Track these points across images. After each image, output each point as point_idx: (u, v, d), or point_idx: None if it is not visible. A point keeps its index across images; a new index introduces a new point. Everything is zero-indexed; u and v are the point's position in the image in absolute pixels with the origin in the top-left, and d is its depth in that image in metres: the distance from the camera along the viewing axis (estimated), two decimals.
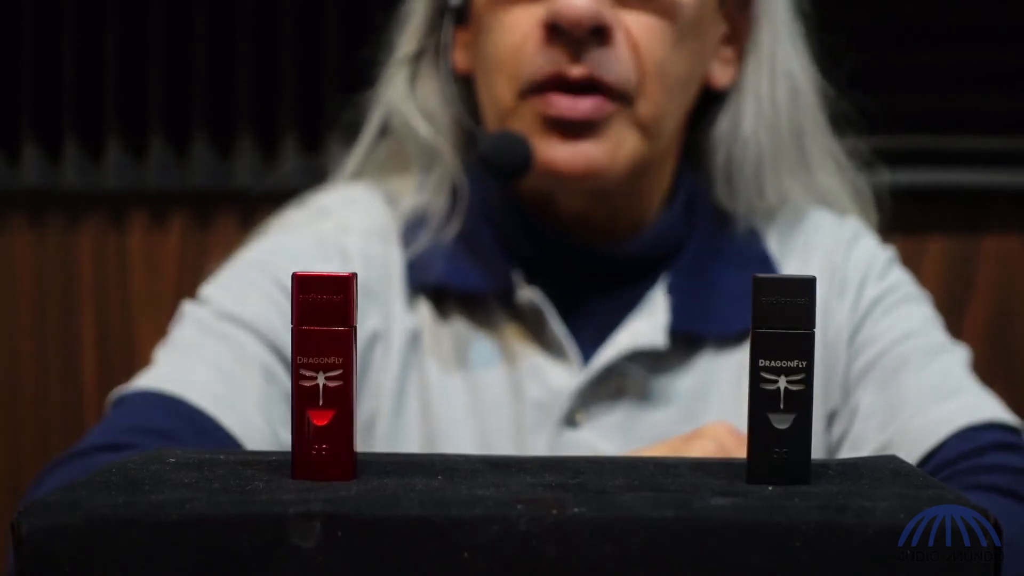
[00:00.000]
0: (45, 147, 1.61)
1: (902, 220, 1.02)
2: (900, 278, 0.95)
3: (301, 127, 1.60)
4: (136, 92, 1.60)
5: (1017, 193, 1.61)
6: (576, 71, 0.84)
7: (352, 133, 1.00)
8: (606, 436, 0.88)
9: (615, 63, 0.84)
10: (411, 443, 0.88)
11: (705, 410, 0.89)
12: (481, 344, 0.90)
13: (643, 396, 0.89)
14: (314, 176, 1.27)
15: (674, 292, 0.90)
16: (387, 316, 0.90)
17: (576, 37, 0.83)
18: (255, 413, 0.82)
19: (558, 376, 0.88)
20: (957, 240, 1.63)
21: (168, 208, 1.65)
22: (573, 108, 0.84)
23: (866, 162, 1.00)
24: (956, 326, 0.97)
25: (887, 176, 1.01)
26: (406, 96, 0.94)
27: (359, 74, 1.00)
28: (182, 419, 0.80)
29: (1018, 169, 1.60)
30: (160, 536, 0.43)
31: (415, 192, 0.94)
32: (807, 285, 0.48)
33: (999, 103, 1.61)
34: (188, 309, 0.90)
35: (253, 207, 1.51)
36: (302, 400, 0.48)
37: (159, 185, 1.61)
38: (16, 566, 0.43)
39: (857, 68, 0.97)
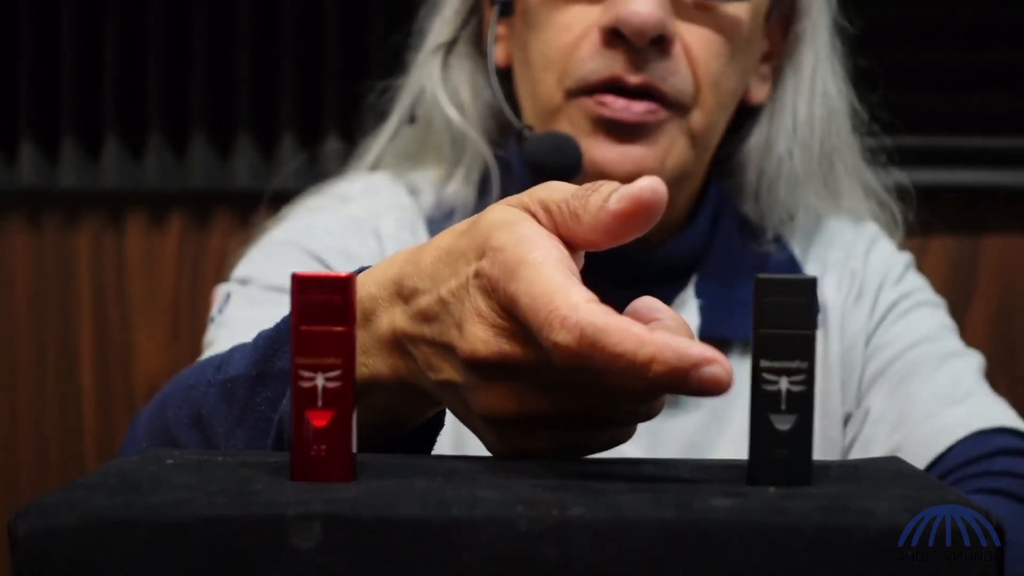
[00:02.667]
0: (43, 147, 1.61)
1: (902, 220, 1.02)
2: (916, 284, 0.95)
3: (301, 127, 1.60)
4: (135, 92, 1.60)
5: (1017, 193, 1.61)
6: (635, 78, 0.83)
7: (352, 133, 1.00)
8: (633, 440, 0.88)
9: (673, 74, 0.84)
10: (443, 437, 0.88)
11: (731, 413, 0.89)
12: None
13: (670, 399, 0.89)
14: (314, 176, 1.27)
15: (703, 296, 0.90)
16: None
17: (636, 45, 0.83)
18: None
19: None
20: (957, 240, 1.63)
21: (167, 208, 1.65)
22: (627, 109, 0.84)
23: (871, 162, 1.00)
24: (957, 326, 0.97)
25: (889, 175, 1.01)
26: (439, 84, 0.93)
27: (359, 73, 1.00)
28: None
29: (1018, 169, 1.60)
30: (158, 537, 0.43)
31: (440, 184, 0.94)
32: (808, 285, 0.48)
33: (999, 103, 1.61)
34: (232, 289, 0.89)
35: (252, 207, 1.51)
36: (301, 401, 0.48)
37: (158, 185, 1.61)
38: (13, 567, 0.43)
39: (857, 68, 0.97)
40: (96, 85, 1.60)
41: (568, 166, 0.85)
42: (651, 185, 0.49)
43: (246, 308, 0.87)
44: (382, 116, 0.98)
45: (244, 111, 1.60)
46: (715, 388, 0.46)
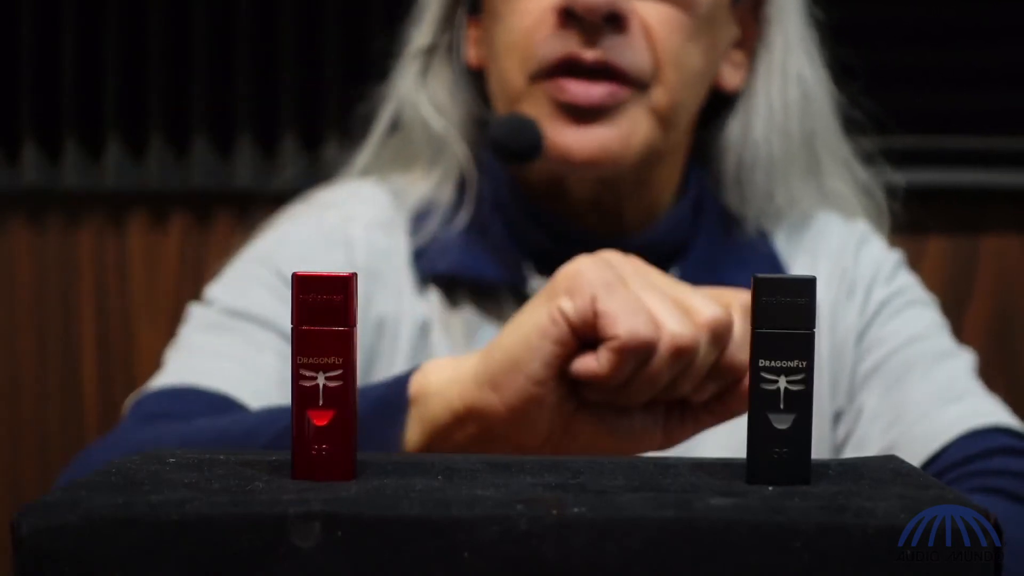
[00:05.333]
0: (45, 147, 1.61)
1: (902, 220, 1.02)
2: (908, 281, 0.95)
3: (301, 127, 1.60)
4: (136, 92, 1.60)
5: (1017, 193, 1.61)
6: (590, 55, 0.84)
7: (352, 133, 1.00)
8: None
9: (630, 50, 0.84)
10: None
11: None
12: (491, 334, 0.90)
13: None
14: (314, 176, 1.27)
15: None
16: (395, 304, 0.90)
17: (590, 23, 0.83)
18: (273, 391, 0.82)
19: None
20: (957, 240, 1.63)
21: (168, 208, 1.65)
22: (586, 94, 0.84)
23: (867, 161, 1.00)
24: (956, 326, 0.97)
25: (886, 175, 1.01)
26: (417, 89, 0.94)
27: (359, 74, 1.00)
28: (201, 404, 0.80)
29: (1018, 169, 1.60)
30: (160, 536, 0.43)
31: (421, 186, 0.94)
32: (807, 285, 0.48)
33: (999, 103, 1.61)
34: (194, 311, 0.90)
35: (253, 207, 1.51)
36: (302, 400, 0.48)
37: (159, 185, 1.61)
38: (16, 565, 0.43)
39: (856, 68, 0.97)
40: (98, 86, 1.60)
41: (528, 146, 0.85)
42: None
43: (200, 333, 0.88)
44: (369, 123, 0.98)
45: (245, 111, 1.60)
46: None
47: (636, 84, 0.85)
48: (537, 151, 0.85)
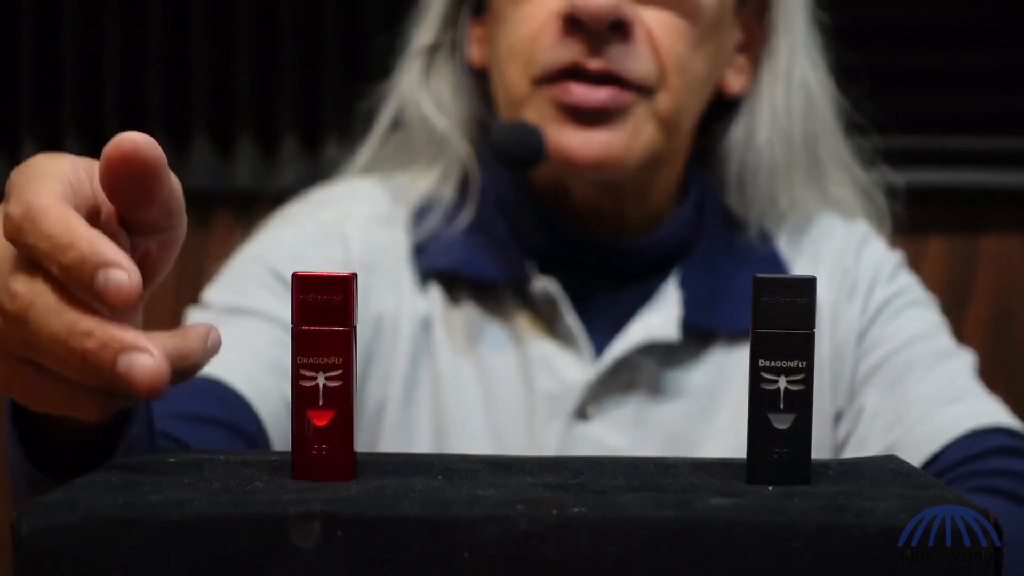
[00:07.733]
0: (45, 147, 1.61)
1: (902, 220, 1.02)
2: (908, 282, 0.95)
3: (301, 127, 1.60)
4: (136, 93, 1.60)
5: (1017, 193, 1.61)
6: (594, 64, 0.84)
7: (352, 133, 1.00)
8: (617, 430, 0.88)
9: (634, 59, 0.84)
10: (421, 433, 0.88)
11: (717, 405, 0.89)
12: (493, 332, 0.90)
13: (655, 390, 0.89)
14: (314, 176, 1.27)
15: (686, 287, 0.91)
16: (394, 299, 0.90)
17: (595, 31, 0.83)
18: (265, 374, 0.82)
19: (570, 368, 0.88)
20: (957, 240, 1.63)
21: None
22: (590, 96, 0.84)
23: (867, 162, 1.00)
24: (956, 326, 0.97)
25: (887, 176, 1.01)
26: (420, 88, 0.94)
27: (359, 74, 1.00)
28: (187, 387, 0.79)
29: (1018, 169, 1.60)
30: (160, 536, 0.43)
31: (422, 183, 0.95)
32: (807, 285, 0.48)
33: (999, 103, 1.61)
34: (192, 315, 0.90)
35: (253, 207, 1.51)
36: (302, 400, 0.48)
37: None
38: (16, 565, 0.43)
39: (857, 69, 0.97)
40: (97, 86, 1.60)
41: (531, 153, 0.85)
42: (131, 136, 0.52)
43: None
44: (370, 121, 0.98)
45: (244, 111, 1.60)
46: (116, 297, 0.46)
47: (640, 90, 0.85)
48: (539, 158, 0.86)
